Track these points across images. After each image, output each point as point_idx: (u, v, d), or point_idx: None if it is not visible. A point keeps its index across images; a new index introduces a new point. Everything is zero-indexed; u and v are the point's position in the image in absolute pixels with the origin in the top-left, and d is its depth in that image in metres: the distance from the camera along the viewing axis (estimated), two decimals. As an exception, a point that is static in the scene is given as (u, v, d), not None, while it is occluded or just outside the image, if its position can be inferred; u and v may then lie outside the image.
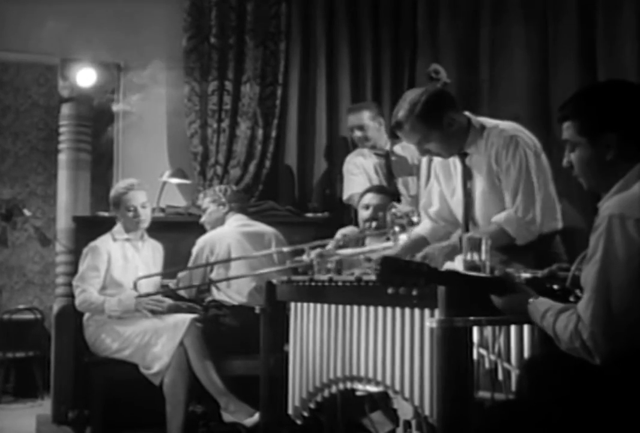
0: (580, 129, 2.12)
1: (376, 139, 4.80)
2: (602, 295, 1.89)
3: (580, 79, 4.55)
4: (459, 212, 3.38)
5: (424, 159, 3.84)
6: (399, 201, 4.37)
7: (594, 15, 4.54)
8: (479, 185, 3.28)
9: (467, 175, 3.30)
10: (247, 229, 4.49)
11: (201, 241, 4.43)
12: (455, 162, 3.37)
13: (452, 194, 3.42)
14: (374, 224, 4.15)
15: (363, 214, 4.24)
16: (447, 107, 3.22)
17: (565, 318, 1.98)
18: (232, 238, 4.41)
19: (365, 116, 4.78)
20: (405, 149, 4.69)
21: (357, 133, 4.79)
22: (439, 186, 3.50)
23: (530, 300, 2.14)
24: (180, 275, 4.48)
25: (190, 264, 4.43)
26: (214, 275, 4.40)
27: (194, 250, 4.42)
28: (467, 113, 3.32)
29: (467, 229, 3.31)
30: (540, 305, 2.11)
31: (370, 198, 4.24)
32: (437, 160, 3.49)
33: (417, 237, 3.47)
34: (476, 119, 3.31)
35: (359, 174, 4.81)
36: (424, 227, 3.52)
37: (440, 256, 3.04)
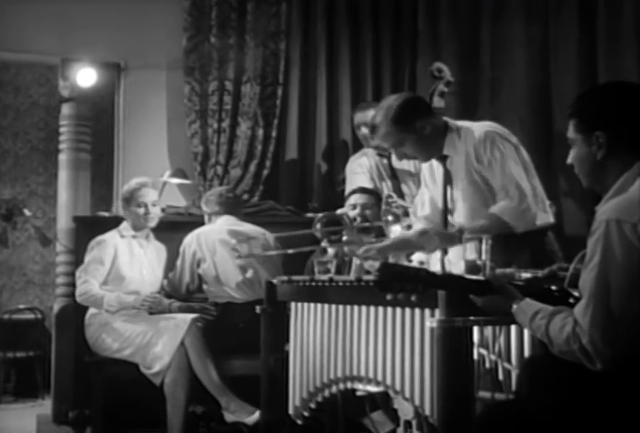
0: (577, 127, 2.15)
1: None
2: (601, 300, 1.89)
3: (581, 78, 4.56)
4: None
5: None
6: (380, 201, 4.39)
7: (595, 14, 4.54)
8: (461, 187, 3.30)
9: (448, 178, 3.32)
10: (234, 227, 4.55)
11: (187, 238, 4.51)
12: (438, 167, 3.40)
13: (438, 198, 3.44)
14: (359, 219, 4.24)
15: (351, 214, 4.28)
16: (420, 112, 3.30)
17: (559, 320, 1.98)
18: (218, 234, 4.48)
19: (372, 114, 4.74)
20: None
21: (363, 130, 4.75)
22: (429, 191, 3.54)
23: (515, 302, 2.14)
24: (170, 274, 4.55)
25: (178, 262, 4.49)
26: (201, 271, 4.46)
27: (181, 248, 4.50)
28: (444, 118, 3.39)
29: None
30: (527, 306, 2.11)
31: (356, 198, 4.33)
32: (424, 166, 3.55)
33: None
34: (454, 122, 3.37)
35: (361, 174, 4.82)
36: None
37: (437, 237, 3.13)
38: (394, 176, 4.75)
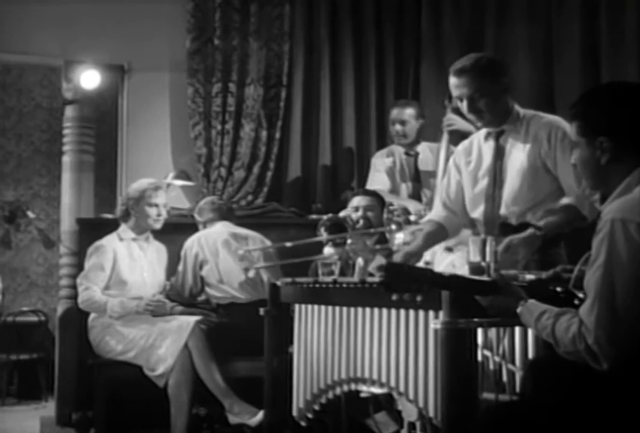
0: (580, 131, 2.15)
1: (413, 137, 4.80)
2: (605, 300, 1.89)
3: (584, 79, 4.56)
4: (481, 198, 3.33)
5: (441, 158, 3.86)
6: (384, 205, 4.38)
7: (598, 15, 4.54)
8: (517, 164, 3.25)
9: (500, 154, 3.30)
10: (234, 230, 4.59)
11: (189, 241, 4.52)
12: (480, 145, 3.37)
13: (474, 182, 3.37)
14: (361, 222, 4.19)
15: (353, 216, 4.23)
16: (506, 75, 3.33)
17: (566, 321, 1.97)
18: (219, 236, 4.51)
19: (409, 112, 4.79)
20: (433, 151, 4.70)
21: (397, 126, 4.79)
22: (459, 175, 3.45)
23: (521, 303, 2.14)
24: (173, 278, 4.56)
25: (180, 266, 4.49)
26: (204, 273, 4.47)
27: (183, 251, 4.50)
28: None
29: (491, 208, 3.28)
30: (533, 307, 2.11)
31: (359, 200, 4.30)
32: (457, 151, 3.49)
33: (435, 226, 3.42)
34: (517, 107, 3.35)
35: (383, 172, 4.84)
36: (437, 214, 3.47)
37: (521, 247, 3.03)
38: (417, 177, 4.77)
